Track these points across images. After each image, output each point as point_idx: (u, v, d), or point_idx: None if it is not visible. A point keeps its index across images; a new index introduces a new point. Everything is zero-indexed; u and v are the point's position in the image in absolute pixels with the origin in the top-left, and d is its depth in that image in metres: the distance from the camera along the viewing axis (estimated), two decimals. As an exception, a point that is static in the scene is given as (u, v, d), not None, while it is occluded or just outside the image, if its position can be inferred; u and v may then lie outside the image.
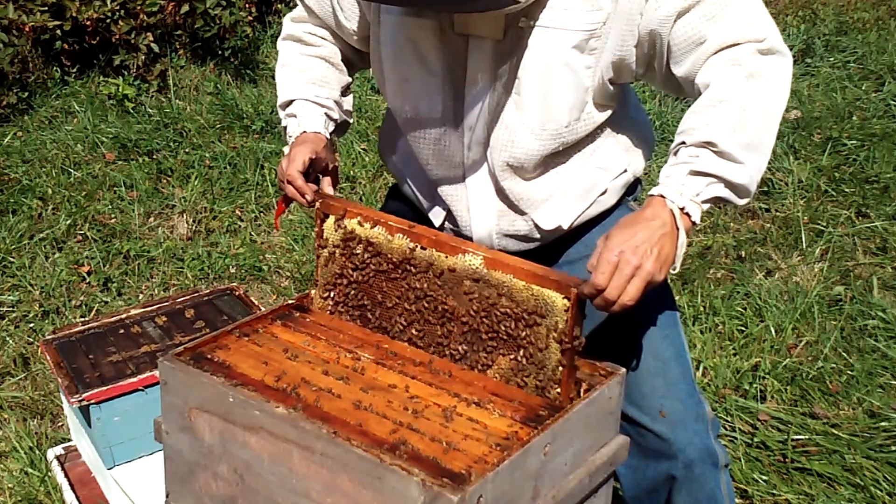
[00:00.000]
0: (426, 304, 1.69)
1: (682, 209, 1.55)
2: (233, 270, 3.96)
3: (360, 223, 1.76)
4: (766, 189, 4.55)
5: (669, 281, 3.76)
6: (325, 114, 1.95)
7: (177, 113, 5.48)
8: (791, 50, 6.37)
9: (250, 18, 6.49)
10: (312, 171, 1.85)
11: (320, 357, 1.66)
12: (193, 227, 4.34)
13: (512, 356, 1.61)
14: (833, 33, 6.51)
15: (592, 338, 1.77)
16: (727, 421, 2.87)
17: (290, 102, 1.97)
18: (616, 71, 1.71)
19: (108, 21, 5.76)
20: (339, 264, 1.79)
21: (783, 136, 4.89)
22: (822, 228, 4.14)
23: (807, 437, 2.77)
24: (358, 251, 1.76)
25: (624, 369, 1.61)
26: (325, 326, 1.78)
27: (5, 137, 5.10)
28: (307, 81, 1.97)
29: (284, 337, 1.73)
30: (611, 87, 1.73)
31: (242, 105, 5.53)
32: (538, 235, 1.85)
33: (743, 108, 1.56)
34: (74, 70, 5.88)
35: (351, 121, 2.09)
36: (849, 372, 3.09)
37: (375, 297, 1.76)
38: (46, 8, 5.51)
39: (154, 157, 4.98)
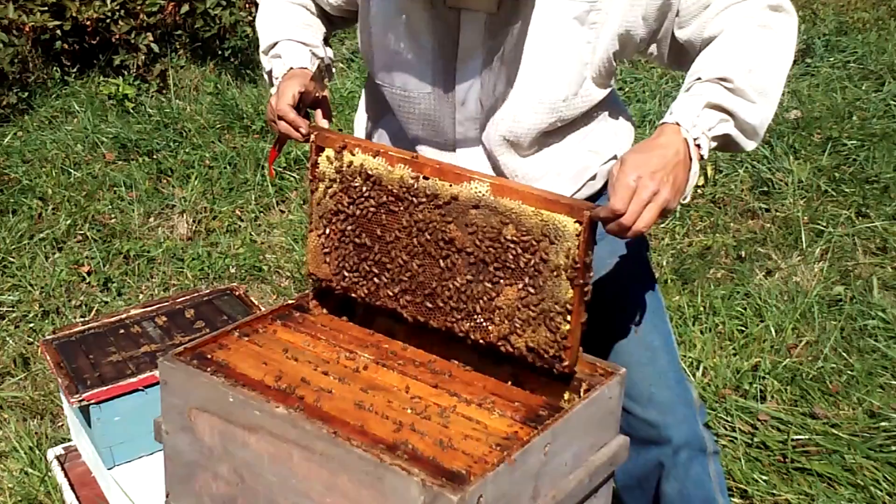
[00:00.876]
0: (428, 237, 1.62)
1: (695, 140, 1.55)
2: (233, 270, 3.96)
3: (359, 155, 1.69)
4: (766, 189, 4.55)
5: (669, 280, 3.77)
6: (311, 51, 1.90)
7: (177, 113, 5.48)
8: (791, 50, 6.32)
9: (250, 18, 6.49)
10: (303, 106, 1.78)
11: (320, 357, 1.65)
12: (193, 227, 4.34)
13: (520, 286, 1.55)
14: (833, 33, 6.51)
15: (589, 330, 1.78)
16: (727, 421, 2.87)
17: (273, 45, 1.93)
18: (622, 44, 1.69)
19: (108, 21, 5.76)
20: (336, 199, 1.72)
21: (783, 136, 4.89)
22: (822, 228, 4.14)
23: (807, 437, 2.77)
24: (356, 184, 1.69)
25: (624, 369, 1.61)
26: (326, 326, 1.78)
27: (5, 137, 5.10)
28: (291, 24, 1.93)
29: (284, 337, 1.73)
30: (614, 63, 1.72)
31: (242, 105, 5.53)
32: None
33: (756, 54, 1.59)
34: (74, 70, 5.89)
35: (333, 71, 2.05)
36: (849, 372, 3.09)
37: (374, 232, 1.69)
38: (46, 8, 5.51)
39: (154, 157, 4.98)
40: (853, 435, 2.77)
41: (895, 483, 2.59)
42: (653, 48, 1.75)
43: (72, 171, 4.75)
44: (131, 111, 5.54)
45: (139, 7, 5.85)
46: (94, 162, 4.92)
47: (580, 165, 1.83)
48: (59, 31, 5.62)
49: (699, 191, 4.56)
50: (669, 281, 3.74)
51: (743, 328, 3.40)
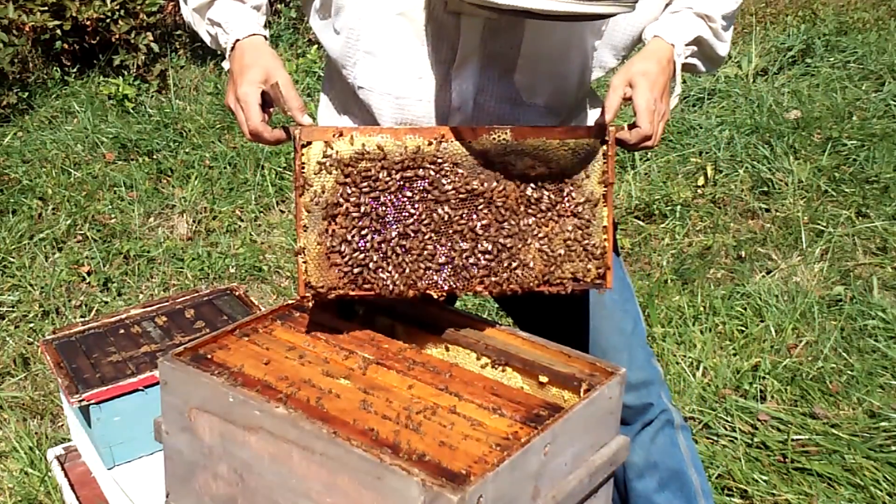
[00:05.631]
0: (461, 198, 1.61)
1: (682, 63, 1.71)
2: (233, 270, 3.96)
3: (359, 138, 1.59)
4: (766, 189, 4.55)
5: (669, 280, 3.76)
6: (253, 7, 1.73)
7: (177, 113, 5.48)
8: (791, 50, 6.36)
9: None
10: (269, 106, 1.65)
11: (320, 357, 1.65)
12: (193, 227, 4.34)
13: (558, 221, 1.64)
14: (833, 33, 6.51)
15: (558, 320, 1.86)
16: (727, 421, 2.87)
17: (208, 4, 1.73)
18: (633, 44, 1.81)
19: (108, 21, 5.76)
20: (335, 192, 1.60)
21: (783, 136, 4.89)
22: (822, 228, 4.14)
23: (807, 437, 2.77)
24: (362, 167, 1.59)
25: (624, 369, 1.61)
26: (325, 326, 1.78)
27: (5, 137, 5.10)
28: None
29: (284, 337, 1.72)
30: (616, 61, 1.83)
31: (242, 105, 5.53)
32: None
33: (731, 5, 1.77)
34: (74, 70, 5.89)
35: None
36: (849, 372, 3.09)
37: (393, 213, 1.61)
38: (46, 8, 5.51)
39: (154, 157, 4.98)
40: (853, 435, 2.77)
41: (895, 483, 2.59)
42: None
43: (72, 171, 4.75)
44: (131, 111, 5.54)
45: (139, 7, 5.85)
46: (94, 162, 4.92)
47: None
48: (59, 31, 5.63)
49: (699, 191, 4.57)
50: (669, 281, 3.74)
51: (743, 328, 3.40)
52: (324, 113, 1.95)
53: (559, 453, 1.45)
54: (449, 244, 1.64)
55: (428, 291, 1.66)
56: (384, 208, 1.61)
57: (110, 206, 4.44)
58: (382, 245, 1.62)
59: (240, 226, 4.38)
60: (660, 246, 4.11)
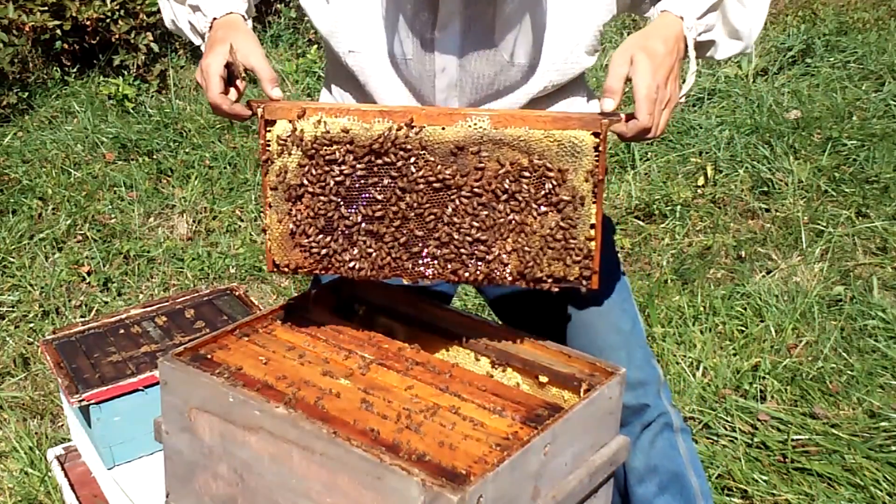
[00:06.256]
0: (429, 188, 1.53)
1: (695, 38, 1.56)
2: (233, 270, 3.96)
3: (324, 119, 1.53)
4: (766, 189, 4.55)
5: (669, 280, 3.76)
6: None
7: (177, 113, 5.48)
8: (791, 50, 6.35)
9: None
10: (235, 78, 1.60)
11: (320, 357, 1.65)
12: (193, 227, 4.34)
13: (539, 218, 1.53)
14: (833, 33, 6.51)
15: (556, 320, 1.85)
16: (727, 421, 2.87)
17: None
18: (620, 7, 1.71)
19: (108, 21, 5.76)
20: (299, 174, 1.54)
21: (783, 136, 4.89)
22: (822, 228, 4.13)
23: (807, 437, 2.77)
24: (326, 151, 1.53)
25: (624, 369, 1.61)
26: (325, 326, 1.78)
27: (5, 137, 5.10)
28: None
29: (284, 337, 1.72)
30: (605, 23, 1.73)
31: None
32: None
33: None
34: (74, 70, 5.89)
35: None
36: (849, 372, 3.09)
37: (359, 198, 1.55)
38: (46, 8, 5.51)
39: (154, 157, 4.98)
40: (853, 435, 2.77)
41: (895, 483, 2.59)
42: None
43: (72, 171, 4.75)
44: (131, 111, 5.54)
45: (139, 7, 5.85)
46: (94, 162, 4.92)
47: None
48: (59, 31, 5.62)
49: (699, 191, 4.56)
50: (669, 281, 3.74)
51: (743, 328, 3.40)
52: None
53: (559, 453, 1.45)
54: (419, 232, 1.56)
55: (396, 276, 1.59)
56: (350, 192, 1.55)
57: (110, 206, 4.44)
58: (347, 229, 1.57)
59: (240, 226, 4.38)
60: (660, 246, 4.11)
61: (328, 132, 1.53)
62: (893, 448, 2.70)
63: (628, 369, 1.78)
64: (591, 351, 1.81)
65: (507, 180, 1.53)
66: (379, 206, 1.55)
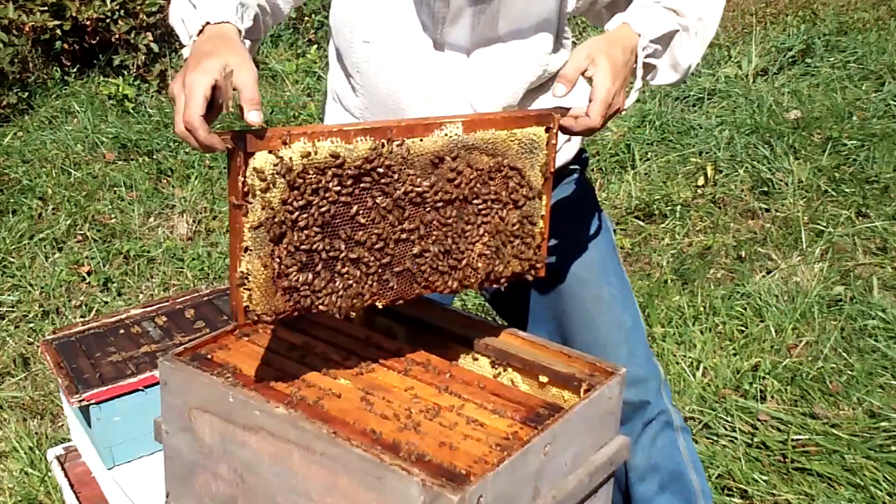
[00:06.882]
0: (410, 202, 1.49)
1: (645, 56, 1.63)
2: (233, 270, 3.96)
3: (308, 145, 1.39)
4: (766, 189, 4.55)
5: (669, 280, 3.76)
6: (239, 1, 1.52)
7: (177, 113, 5.47)
8: (791, 50, 6.35)
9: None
10: (218, 103, 1.34)
11: (320, 357, 1.65)
12: (193, 227, 4.34)
13: (502, 216, 1.58)
14: (833, 33, 6.51)
15: (556, 317, 1.88)
16: (727, 421, 2.87)
17: None
18: None
19: (108, 21, 5.77)
20: (281, 209, 1.39)
21: (783, 136, 4.89)
22: (822, 228, 4.13)
23: (807, 437, 2.77)
24: (310, 179, 1.40)
25: (624, 369, 1.61)
26: (325, 326, 1.78)
27: (5, 137, 5.10)
28: None
29: (284, 337, 1.72)
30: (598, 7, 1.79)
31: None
32: None
33: (707, 6, 1.71)
34: (74, 70, 5.89)
35: (269, 23, 1.73)
36: (849, 372, 3.09)
37: (340, 226, 1.45)
38: (46, 8, 5.51)
39: (154, 157, 4.98)
40: (853, 435, 2.77)
41: (895, 483, 2.59)
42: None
43: (72, 171, 4.75)
44: (131, 111, 5.54)
45: (139, 7, 5.85)
46: (94, 162, 4.92)
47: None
48: (59, 31, 5.62)
49: (699, 191, 4.57)
50: (669, 281, 3.74)
51: (743, 328, 3.40)
52: (331, 105, 1.98)
53: (559, 453, 1.45)
54: (399, 250, 1.51)
55: (374, 302, 1.52)
56: (333, 220, 1.44)
57: (110, 206, 4.44)
58: (331, 261, 1.45)
59: (240, 226, 4.38)
60: (660, 246, 4.11)
61: (310, 159, 1.39)
62: (893, 448, 2.70)
63: (631, 365, 1.79)
64: (594, 347, 1.81)
65: (479, 184, 1.55)
66: (362, 231, 1.46)
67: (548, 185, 1.61)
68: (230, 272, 1.40)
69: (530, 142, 1.57)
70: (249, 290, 1.40)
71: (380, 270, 1.50)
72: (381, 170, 1.46)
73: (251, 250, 1.38)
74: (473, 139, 1.53)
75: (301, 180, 1.39)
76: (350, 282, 1.48)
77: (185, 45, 1.53)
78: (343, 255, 1.45)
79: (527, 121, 1.57)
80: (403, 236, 1.51)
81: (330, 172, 1.41)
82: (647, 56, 1.62)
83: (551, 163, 1.60)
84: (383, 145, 1.45)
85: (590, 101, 1.52)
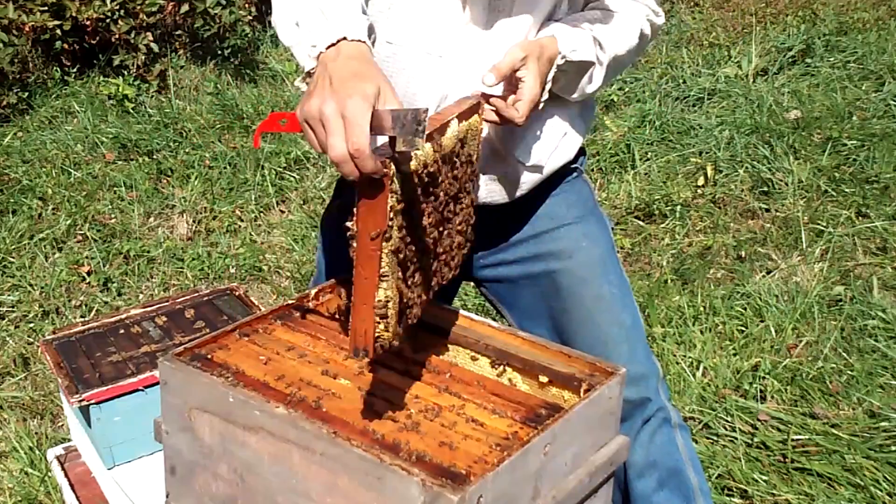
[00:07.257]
0: (446, 202, 1.54)
1: (558, 67, 1.70)
2: (233, 270, 3.96)
3: (437, 138, 1.43)
4: (766, 189, 4.55)
5: (669, 280, 3.76)
6: (363, 13, 1.48)
7: (177, 113, 5.48)
8: (791, 50, 6.35)
9: (250, 18, 6.49)
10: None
11: (320, 357, 1.65)
12: (193, 227, 4.35)
13: (467, 203, 1.64)
14: (833, 33, 6.51)
15: (556, 316, 1.89)
16: (727, 421, 2.87)
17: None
18: None
19: (108, 21, 5.76)
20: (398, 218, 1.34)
21: (783, 136, 4.90)
22: (822, 228, 4.14)
23: (807, 437, 2.77)
24: (428, 181, 1.40)
25: (624, 369, 1.61)
26: (325, 326, 1.78)
27: (5, 137, 5.10)
28: None
29: (284, 337, 1.72)
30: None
31: (242, 105, 5.54)
32: (520, 175, 1.85)
33: (624, 47, 1.80)
34: (74, 70, 5.89)
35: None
36: (849, 372, 3.09)
37: (428, 240, 1.47)
38: (46, 8, 5.51)
39: (154, 157, 4.98)
40: (853, 435, 2.77)
41: (895, 483, 2.59)
42: None
43: (72, 171, 4.75)
44: (131, 111, 5.54)
45: (139, 7, 5.85)
46: (94, 162, 4.92)
47: (557, 122, 1.85)
48: (59, 31, 5.62)
49: (699, 191, 4.57)
50: (669, 281, 3.74)
51: (743, 328, 3.40)
52: None
53: (559, 453, 1.45)
54: (442, 248, 1.57)
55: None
56: (430, 229, 1.45)
57: (110, 206, 4.45)
58: (416, 271, 1.43)
59: (240, 226, 4.38)
60: (660, 246, 4.11)
61: (440, 151, 1.41)
62: (893, 448, 2.70)
63: (631, 363, 1.80)
64: (595, 345, 1.81)
65: (464, 174, 1.61)
66: (426, 235, 1.45)
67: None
68: (358, 305, 1.31)
69: (476, 130, 1.63)
70: (387, 318, 1.34)
71: (434, 277, 1.56)
72: (432, 169, 1.44)
73: (387, 277, 1.32)
74: (462, 131, 1.58)
75: (429, 185, 1.44)
76: (420, 290, 1.48)
77: (290, 46, 1.50)
78: (427, 266, 1.48)
79: (472, 110, 1.62)
80: (445, 233, 1.57)
81: (438, 166, 1.46)
82: (553, 73, 1.70)
83: (478, 149, 1.66)
84: (466, 129, 1.54)
85: (518, 99, 1.62)
